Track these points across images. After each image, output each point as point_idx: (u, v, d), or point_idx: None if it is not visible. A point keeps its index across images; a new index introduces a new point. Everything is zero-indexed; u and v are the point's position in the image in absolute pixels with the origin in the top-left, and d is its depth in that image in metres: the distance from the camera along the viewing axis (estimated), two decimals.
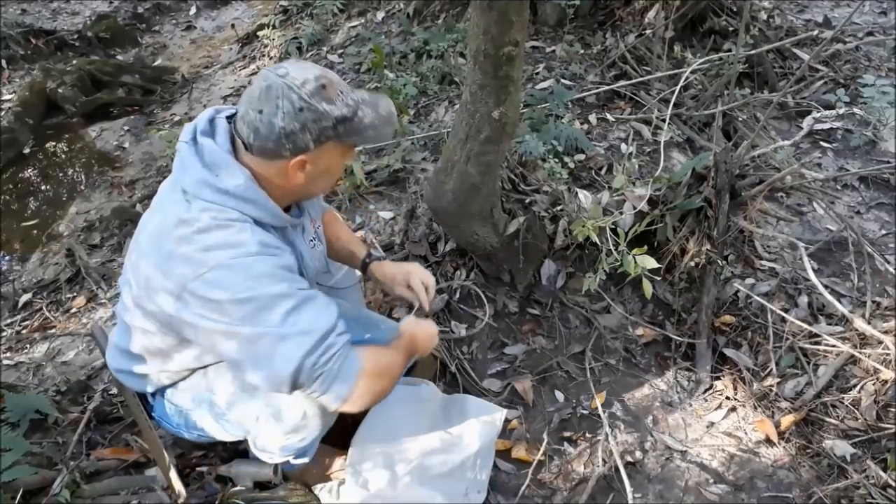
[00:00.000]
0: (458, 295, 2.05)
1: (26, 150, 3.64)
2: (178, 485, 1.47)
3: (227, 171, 1.16)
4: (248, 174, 1.17)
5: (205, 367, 1.34)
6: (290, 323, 1.10)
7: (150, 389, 1.40)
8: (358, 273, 1.71)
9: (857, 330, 1.78)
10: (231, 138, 1.20)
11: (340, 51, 3.76)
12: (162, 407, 1.43)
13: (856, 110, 2.74)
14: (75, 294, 2.45)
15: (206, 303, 1.09)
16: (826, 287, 1.88)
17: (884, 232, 2.23)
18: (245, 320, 1.09)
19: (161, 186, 1.32)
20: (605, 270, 1.77)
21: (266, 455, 1.45)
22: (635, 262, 1.69)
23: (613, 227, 1.79)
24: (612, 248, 1.74)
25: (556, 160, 2.26)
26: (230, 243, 1.11)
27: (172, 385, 1.39)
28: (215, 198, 1.14)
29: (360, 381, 1.17)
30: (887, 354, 1.70)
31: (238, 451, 1.67)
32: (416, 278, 1.56)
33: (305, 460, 1.52)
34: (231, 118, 1.23)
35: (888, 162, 2.50)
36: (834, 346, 1.77)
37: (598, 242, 1.81)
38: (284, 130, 1.13)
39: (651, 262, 1.67)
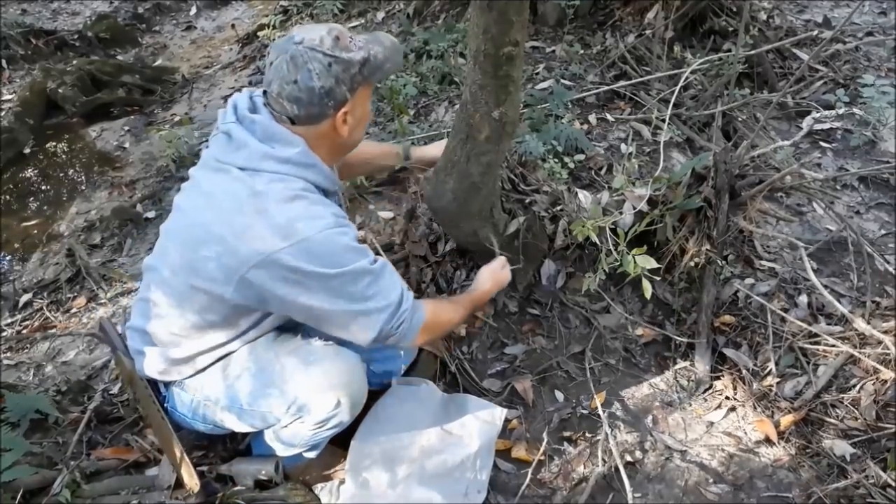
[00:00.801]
0: (458, 295, 2.05)
1: (26, 150, 3.64)
2: (191, 479, 1.46)
3: (285, 140, 1.23)
4: (303, 141, 1.24)
5: (228, 355, 1.37)
6: (371, 297, 1.24)
7: (168, 378, 1.41)
8: None
9: (856, 330, 1.78)
10: (273, 116, 1.27)
11: None
12: (176, 397, 1.44)
13: (855, 110, 2.74)
14: (75, 294, 2.45)
15: (294, 272, 1.18)
16: (826, 287, 1.88)
17: (883, 232, 2.23)
18: (331, 293, 1.21)
19: (194, 178, 1.35)
20: (604, 270, 1.77)
21: (284, 447, 1.47)
22: (635, 263, 1.69)
23: (613, 227, 1.79)
24: (611, 248, 1.74)
25: (556, 160, 2.26)
26: (310, 215, 1.20)
27: (192, 376, 1.40)
28: (279, 168, 1.21)
29: (420, 335, 1.36)
30: (887, 354, 1.70)
31: (238, 450, 1.67)
32: None
33: (317, 452, 1.55)
34: (261, 97, 1.30)
35: (888, 162, 2.50)
36: (834, 345, 1.78)
37: (598, 242, 1.81)
38: (324, 89, 1.21)
39: (651, 263, 1.67)
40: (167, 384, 1.45)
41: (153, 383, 1.46)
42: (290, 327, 1.43)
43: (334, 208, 1.28)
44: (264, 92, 1.31)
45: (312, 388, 1.32)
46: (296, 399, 1.33)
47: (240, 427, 1.44)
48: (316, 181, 1.27)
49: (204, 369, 1.39)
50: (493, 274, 1.68)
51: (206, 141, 2.95)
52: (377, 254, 1.98)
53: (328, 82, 1.21)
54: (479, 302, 1.64)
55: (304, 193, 1.22)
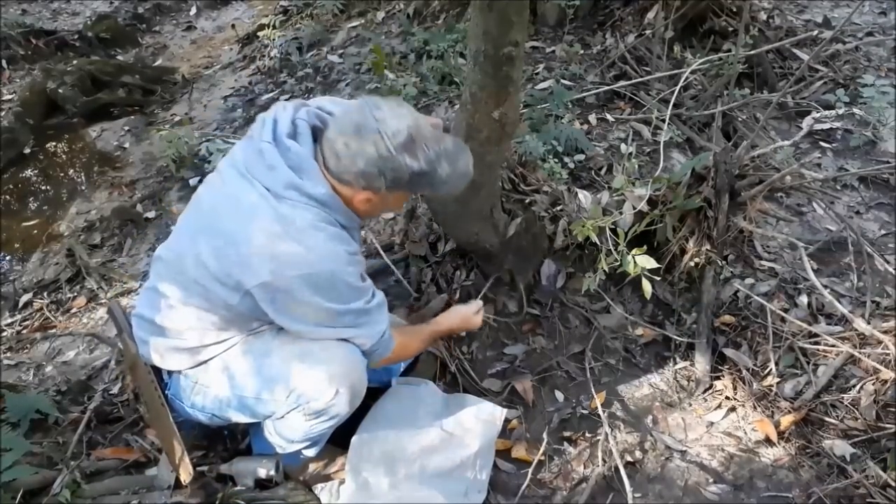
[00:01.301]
0: (458, 295, 2.05)
1: (26, 150, 3.64)
2: (185, 471, 1.46)
3: (314, 177, 1.26)
4: (329, 184, 1.28)
5: (230, 346, 1.39)
6: (357, 329, 1.35)
7: (172, 367, 1.43)
8: None
9: (856, 330, 1.78)
10: (313, 143, 1.30)
11: (340, 51, 3.76)
12: (178, 384, 1.46)
13: (855, 110, 2.74)
14: (75, 294, 2.45)
15: (294, 299, 1.26)
16: (826, 287, 1.88)
17: (883, 232, 2.22)
18: (324, 321, 1.31)
19: (222, 173, 1.37)
20: (604, 270, 1.77)
21: (284, 443, 1.49)
22: (635, 263, 1.69)
23: (613, 227, 1.79)
24: (611, 248, 1.74)
25: (557, 160, 2.26)
26: (324, 250, 1.25)
27: (196, 366, 1.42)
28: (302, 199, 1.25)
29: (381, 362, 1.49)
30: (887, 354, 1.70)
31: (238, 450, 1.67)
32: None
33: (317, 449, 1.56)
34: (306, 120, 1.33)
35: (888, 162, 2.49)
36: (834, 346, 1.77)
37: (598, 243, 1.82)
38: (363, 171, 1.23)
39: (651, 263, 1.67)
40: (170, 372, 1.47)
41: (156, 371, 1.47)
42: None
43: (349, 244, 1.31)
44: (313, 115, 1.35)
45: (312, 377, 1.34)
46: (295, 388, 1.35)
47: (238, 417, 1.45)
48: (336, 218, 1.30)
49: (209, 360, 1.41)
50: (465, 317, 1.73)
51: (207, 141, 2.97)
52: (377, 255, 1.99)
53: (371, 169, 1.23)
54: (439, 336, 1.77)
55: (322, 226, 1.26)
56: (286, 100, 2.85)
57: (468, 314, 1.73)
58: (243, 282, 1.25)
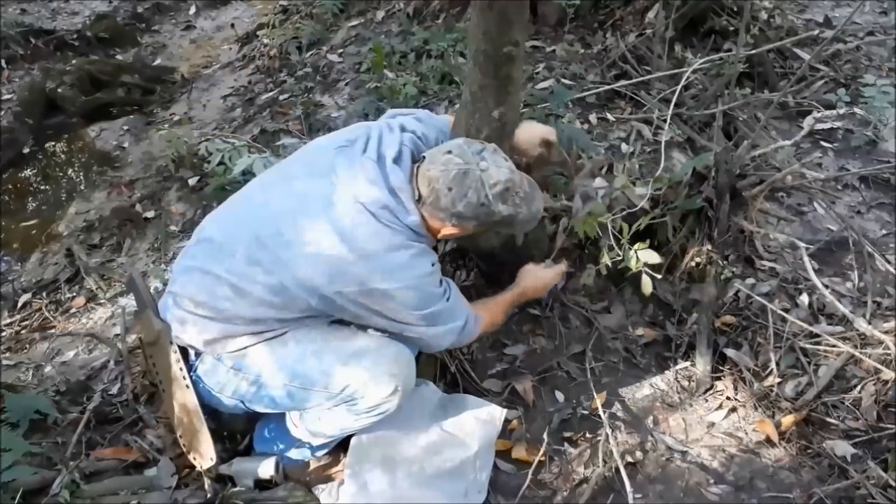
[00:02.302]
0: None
1: (26, 150, 3.64)
2: (207, 452, 1.45)
3: (408, 205, 1.36)
4: (420, 214, 1.37)
5: (282, 334, 1.42)
6: (445, 323, 1.46)
7: (212, 350, 1.43)
8: None
9: (857, 330, 1.78)
10: (410, 176, 1.39)
11: (340, 50, 3.76)
12: (209, 367, 1.45)
13: (856, 110, 2.73)
14: (75, 294, 2.45)
15: (387, 304, 1.37)
16: (827, 287, 1.87)
17: (884, 232, 2.22)
18: (413, 322, 1.42)
19: (286, 171, 1.46)
20: (606, 266, 1.77)
21: (309, 436, 1.52)
22: (637, 258, 1.69)
23: (614, 224, 1.78)
24: (613, 243, 1.73)
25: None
26: (415, 266, 1.37)
27: (237, 350, 1.42)
28: (395, 222, 1.34)
29: (476, 336, 1.60)
30: (888, 354, 1.69)
31: (238, 450, 1.67)
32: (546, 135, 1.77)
33: (331, 446, 1.58)
34: (410, 147, 1.44)
35: (889, 162, 2.49)
36: (834, 346, 1.77)
37: (599, 234, 1.81)
38: (459, 213, 1.34)
39: (654, 257, 1.67)
40: (198, 354, 1.46)
41: (183, 351, 1.47)
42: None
43: (432, 256, 1.43)
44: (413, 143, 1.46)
45: (371, 374, 1.39)
46: (350, 383, 1.38)
47: (268, 408, 1.47)
48: (420, 241, 1.41)
49: (252, 346, 1.41)
50: (541, 278, 1.77)
51: (206, 140, 2.96)
52: None
53: (467, 213, 1.34)
54: (522, 301, 1.79)
55: (411, 244, 1.37)
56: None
57: (536, 273, 1.76)
58: (331, 288, 1.33)
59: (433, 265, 1.41)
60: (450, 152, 1.35)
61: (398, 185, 1.35)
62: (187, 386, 1.45)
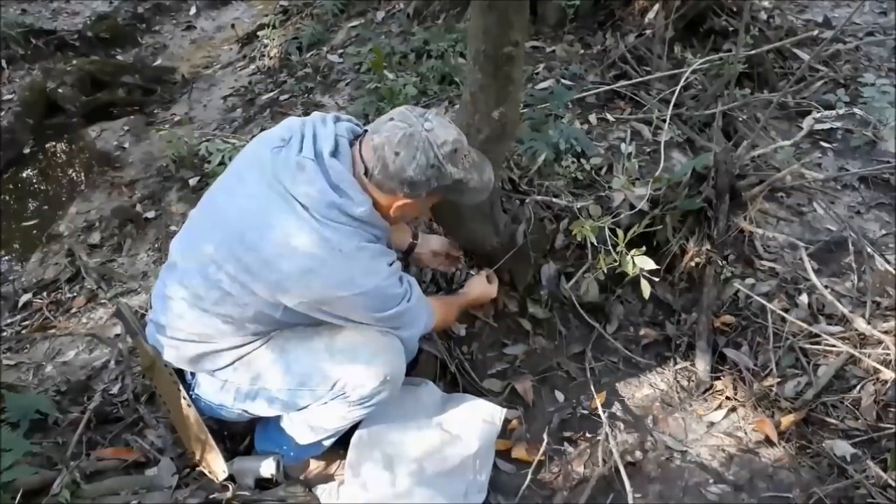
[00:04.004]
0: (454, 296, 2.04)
1: (26, 150, 3.63)
2: (218, 468, 1.48)
3: (355, 196, 1.29)
4: (370, 201, 1.31)
5: (268, 340, 1.43)
6: (405, 326, 1.45)
7: (200, 369, 1.46)
8: None
9: (857, 330, 1.78)
10: (352, 159, 1.32)
11: (340, 51, 3.76)
12: (204, 384, 1.48)
13: (856, 110, 2.73)
14: (75, 294, 2.45)
15: (346, 310, 1.35)
16: (826, 287, 1.88)
17: (884, 232, 2.22)
18: (377, 323, 1.40)
19: (242, 176, 1.38)
20: (603, 271, 1.77)
21: (310, 433, 1.53)
22: (633, 263, 1.69)
23: (613, 227, 1.79)
24: (610, 248, 1.73)
25: (574, 161, 2.26)
26: (370, 269, 1.32)
27: (226, 366, 1.44)
28: (343, 220, 1.28)
29: (426, 330, 1.57)
30: (887, 354, 1.70)
31: (238, 450, 1.67)
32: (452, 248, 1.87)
33: (330, 442, 1.59)
34: (346, 136, 1.36)
35: (888, 162, 2.49)
36: (834, 346, 1.77)
37: (595, 243, 1.81)
38: (410, 178, 1.28)
39: (649, 264, 1.67)
40: (193, 372, 1.50)
41: (178, 371, 1.50)
42: None
43: (389, 255, 1.39)
44: (360, 134, 1.38)
45: (361, 364, 1.40)
46: (342, 377, 1.40)
47: (269, 411, 1.49)
48: (374, 234, 1.36)
49: (241, 358, 1.43)
50: (482, 286, 1.83)
51: (207, 141, 2.96)
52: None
53: (419, 177, 1.28)
54: (470, 306, 1.86)
55: (364, 245, 1.31)
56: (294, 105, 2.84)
57: (484, 284, 1.83)
58: (286, 300, 1.30)
59: (390, 265, 1.37)
60: (392, 119, 1.30)
61: (340, 179, 1.29)
62: (188, 405, 1.49)
